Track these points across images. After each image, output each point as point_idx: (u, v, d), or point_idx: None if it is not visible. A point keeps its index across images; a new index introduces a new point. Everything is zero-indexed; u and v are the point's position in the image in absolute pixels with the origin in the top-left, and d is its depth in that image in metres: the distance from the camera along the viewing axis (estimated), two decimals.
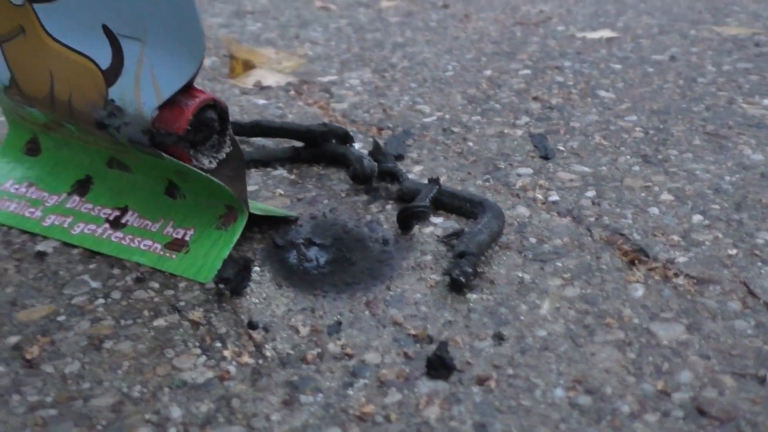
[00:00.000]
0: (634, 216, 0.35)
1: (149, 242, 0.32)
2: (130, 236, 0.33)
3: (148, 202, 0.33)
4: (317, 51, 0.65)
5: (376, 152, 0.39)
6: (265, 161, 0.41)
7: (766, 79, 0.55)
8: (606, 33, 0.69)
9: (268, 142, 0.44)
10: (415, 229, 0.34)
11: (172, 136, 0.29)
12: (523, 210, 0.36)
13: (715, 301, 0.29)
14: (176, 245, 0.32)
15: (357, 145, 0.43)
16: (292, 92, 0.54)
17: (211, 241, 0.31)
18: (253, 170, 0.40)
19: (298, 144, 0.42)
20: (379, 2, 0.86)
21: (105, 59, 0.30)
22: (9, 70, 0.33)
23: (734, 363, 0.25)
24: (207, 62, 0.61)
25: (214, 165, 0.31)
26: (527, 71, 0.59)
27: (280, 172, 0.40)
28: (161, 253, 0.32)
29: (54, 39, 0.31)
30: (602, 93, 0.53)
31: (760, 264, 0.31)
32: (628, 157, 0.42)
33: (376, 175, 0.38)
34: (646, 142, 0.44)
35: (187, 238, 0.32)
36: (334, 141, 0.41)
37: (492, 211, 0.33)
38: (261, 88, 0.54)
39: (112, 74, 0.30)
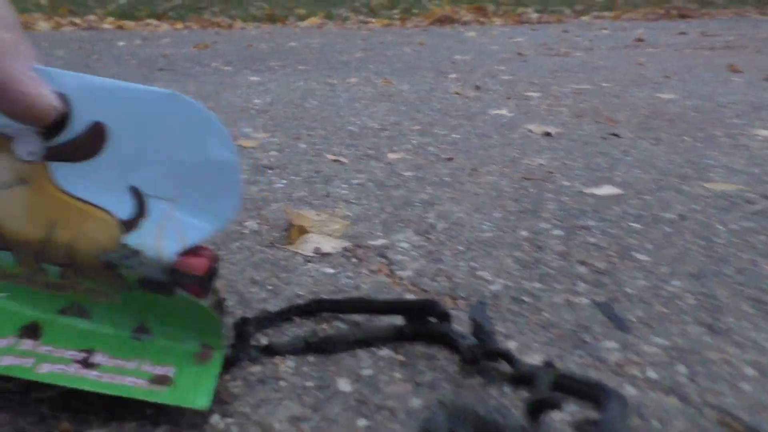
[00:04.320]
0: (731, 392, 0.38)
1: (131, 378, 0.32)
2: (109, 374, 0.32)
3: (114, 345, 0.33)
4: (354, 211, 0.68)
5: (478, 331, 0.42)
6: (369, 341, 0.42)
7: None
8: (610, 189, 0.76)
9: (359, 317, 0.46)
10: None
11: (193, 276, 0.32)
12: (631, 390, 0.38)
13: None
14: (161, 380, 0.32)
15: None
16: (353, 259, 0.56)
17: (193, 374, 0.32)
18: (358, 351, 0.42)
19: (398, 322, 0.44)
20: (385, 155, 0.92)
21: (124, 212, 0.32)
22: None
23: None
24: (254, 226, 0.63)
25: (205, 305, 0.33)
26: (559, 231, 0.63)
27: (387, 352, 0.42)
28: (148, 387, 0.32)
29: (63, 191, 0.32)
30: (638, 256, 0.58)
31: None
32: (694, 326, 0.46)
33: (485, 356, 0.40)
34: (702, 310, 0.48)
35: (169, 374, 0.33)
36: (434, 319, 0.43)
37: (616, 398, 0.36)
38: (322, 255, 0.57)
39: (130, 225, 0.32)
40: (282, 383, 0.38)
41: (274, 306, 0.47)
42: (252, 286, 0.50)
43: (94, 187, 0.31)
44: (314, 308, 0.45)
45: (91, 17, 3.69)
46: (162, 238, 0.31)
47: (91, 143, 0.31)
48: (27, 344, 0.33)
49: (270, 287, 0.50)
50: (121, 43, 2.59)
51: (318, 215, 0.66)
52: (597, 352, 0.42)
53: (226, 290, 0.50)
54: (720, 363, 0.41)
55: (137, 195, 0.31)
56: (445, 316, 0.43)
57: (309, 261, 0.56)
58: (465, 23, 4.08)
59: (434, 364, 0.41)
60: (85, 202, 0.31)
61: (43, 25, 3.35)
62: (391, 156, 0.91)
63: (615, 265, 0.56)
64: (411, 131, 1.07)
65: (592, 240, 0.62)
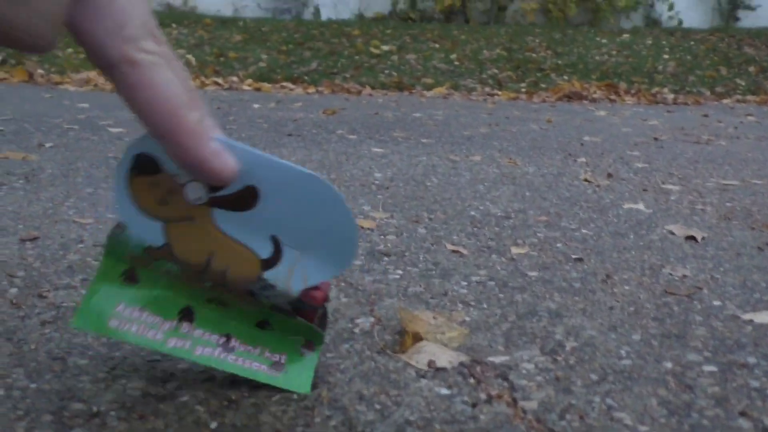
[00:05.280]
0: None
1: (257, 364, 0.43)
2: (242, 359, 0.43)
3: (244, 332, 0.43)
4: (473, 316, 0.63)
5: None
6: None
7: None
8: None
9: None
10: None
11: (313, 307, 0.43)
12: None
13: None
14: (277, 367, 0.43)
15: None
16: (471, 379, 0.51)
17: (300, 363, 0.44)
18: None
19: None
20: (508, 249, 0.86)
21: (265, 253, 0.40)
22: (166, 239, 0.40)
23: None
24: (366, 325, 0.59)
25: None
26: (712, 367, 0.55)
27: None
28: (269, 372, 0.43)
29: (220, 230, 0.40)
30: None
31: None
32: None
33: None
34: None
35: (282, 361, 0.43)
36: None
37: None
38: (436, 370, 0.51)
39: (269, 264, 0.41)
40: None
41: None
42: (359, 402, 0.46)
43: (244, 231, 0.39)
44: None
45: (233, 78, 3.94)
46: (291, 278, 0.40)
47: (245, 200, 0.38)
48: (185, 327, 0.42)
49: (378, 406, 0.46)
50: (256, 105, 2.72)
51: (434, 318, 0.61)
52: None
53: (331, 405, 0.45)
54: None
55: (276, 242, 0.40)
56: None
57: (422, 376, 0.50)
58: (594, 100, 3.97)
59: None
60: (236, 241, 0.40)
61: None
62: (515, 251, 0.85)
63: None
64: (536, 222, 1.01)
65: (754, 384, 0.52)
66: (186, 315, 0.42)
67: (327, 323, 0.45)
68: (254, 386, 0.46)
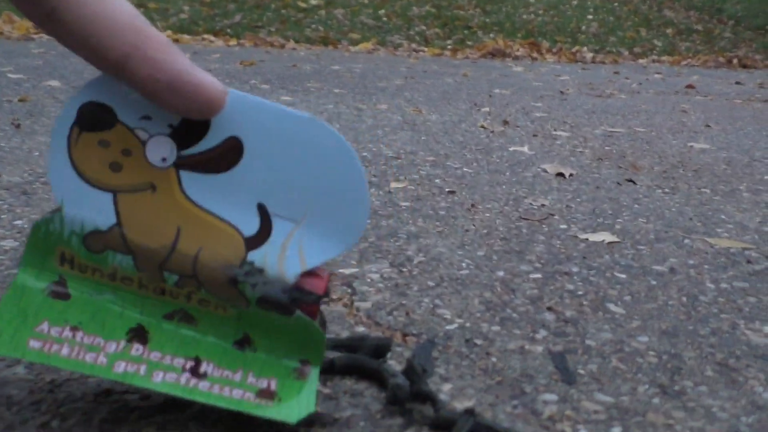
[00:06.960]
0: None
1: (240, 391, 0.32)
2: (218, 385, 0.32)
3: (219, 354, 0.33)
4: None
5: (410, 372, 0.40)
6: None
7: (763, 302, 0.59)
8: (606, 236, 0.73)
9: None
10: None
11: (313, 295, 0.33)
12: None
13: None
14: (266, 394, 0.33)
15: (389, 353, 0.44)
16: None
17: (295, 389, 0.33)
18: None
19: (333, 354, 0.43)
20: (388, 183, 0.91)
21: (249, 229, 0.32)
22: (116, 217, 0.32)
23: None
24: None
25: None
26: (538, 275, 0.62)
27: None
28: (255, 401, 0.32)
29: (190, 200, 0.32)
30: (612, 307, 0.56)
31: None
32: (647, 386, 0.44)
33: (411, 397, 0.39)
34: (661, 369, 0.46)
35: (273, 388, 0.33)
36: (368, 354, 0.42)
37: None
38: None
39: (254, 242, 0.32)
40: None
41: None
42: None
43: (222, 200, 0.32)
44: None
45: None
46: (284, 259, 0.32)
47: (225, 158, 0.31)
48: (138, 350, 0.32)
49: None
50: None
51: None
52: (533, 403, 0.41)
53: None
54: (661, 428, 0.39)
55: (263, 213, 0.32)
56: (379, 353, 0.42)
57: None
58: (517, 58, 4.07)
59: (357, 401, 0.40)
60: (211, 214, 0.32)
61: None
62: (394, 185, 0.91)
63: (584, 315, 0.54)
64: (424, 162, 1.07)
65: (569, 287, 0.60)
66: (137, 336, 0.33)
67: (326, 327, 0.36)
68: None
